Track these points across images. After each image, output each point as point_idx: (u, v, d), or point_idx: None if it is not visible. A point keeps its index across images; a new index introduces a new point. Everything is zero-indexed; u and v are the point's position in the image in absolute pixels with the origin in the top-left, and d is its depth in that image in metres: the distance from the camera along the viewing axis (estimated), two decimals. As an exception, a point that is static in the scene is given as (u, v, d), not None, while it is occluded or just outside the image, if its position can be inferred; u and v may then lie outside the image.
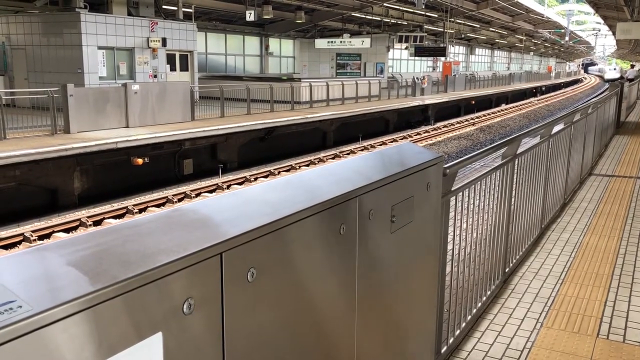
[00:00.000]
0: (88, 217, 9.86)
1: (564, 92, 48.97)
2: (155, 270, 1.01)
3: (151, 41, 18.55)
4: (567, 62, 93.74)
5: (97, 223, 9.78)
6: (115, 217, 10.12)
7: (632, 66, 69.24)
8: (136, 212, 10.36)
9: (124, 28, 17.79)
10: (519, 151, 3.88)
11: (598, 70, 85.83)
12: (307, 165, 14.82)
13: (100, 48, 17.20)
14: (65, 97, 11.98)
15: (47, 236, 9.05)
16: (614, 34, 33.31)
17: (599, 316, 3.51)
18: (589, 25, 79.86)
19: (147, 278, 0.99)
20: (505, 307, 3.64)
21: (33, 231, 9.01)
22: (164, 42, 18.89)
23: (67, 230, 9.37)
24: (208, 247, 1.12)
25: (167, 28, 19.26)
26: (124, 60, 18.21)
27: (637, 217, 5.83)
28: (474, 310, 3.36)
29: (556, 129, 5.25)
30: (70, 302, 0.87)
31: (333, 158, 15.94)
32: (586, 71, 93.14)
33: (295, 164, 14.90)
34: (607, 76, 66.70)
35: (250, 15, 22.49)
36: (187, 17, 21.57)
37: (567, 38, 57.33)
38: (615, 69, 70.04)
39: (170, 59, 19.92)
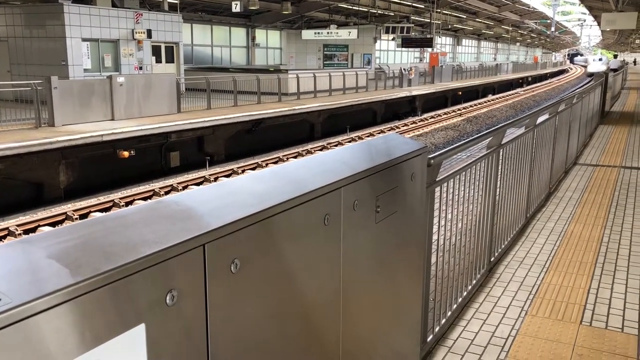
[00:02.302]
0: (74, 210, 9.79)
1: (550, 83, 49.30)
2: (138, 261, 1.01)
3: (136, 33, 18.38)
4: (553, 53, 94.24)
5: (83, 217, 9.71)
6: (101, 211, 10.06)
7: (615, 56, 69.51)
8: (123, 205, 10.30)
9: (109, 20, 17.61)
10: (504, 141, 3.90)
11: (584, 61, 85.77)
12: (295, 157, 14.81)
13: (84, 40, 17.02)
14: (49, 89, 11.84)
15: (33, 230, 8.98)
16: (599, 24, 33.52)
17: (583, 303, 3.56)
18: (574, 16, 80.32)
19: (130, 270, 0.99)
20: (490, 296, 3.67)
21: (18, 225, 8.93)
22: (149, 33, 18.72)
23: (53, 224, 9.30)
24: (191, 238, 1.12)
25: (152, 19, 19.08)
26: (109, 52, 18.03)
27: (621, 206, 5.90)
28: (460, 300, 3.40)
29: (541, 119, 5.29)
30: (51, 294, 0.86)
31: (321, 150, 15.93)
32: (572, 62, 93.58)
33: (283, 155, 14.89)
34: (591, 69, 54.11)
35: (236, 6, 22.34)
36: (173, 8, 21.38)
37: (552, 28, 57.63)
38: (601, 60, 61.10)
39: (156, 51, 19.75)
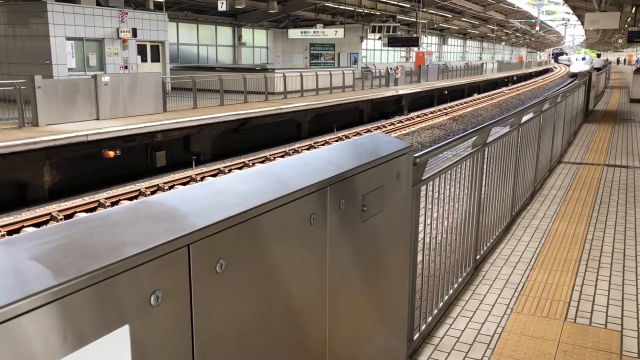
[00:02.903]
0: (59, 211, 9.70)
1: (534, 82, 49.68)
2: (122, 262, 1.00)
3: (121, 32, 18.24)
4: (538, 52, 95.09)
5: (68, 217, 9.62)
6: (87, 211, 9.97)
7: (599, 55, 70.09)
8: (108, 206, 10.22)
9: (93, 18, 17.45)
10: (489, 140, 3.93)
11: (568, 60, 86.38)
12: (282, 157, 14.79)
13: (68, 39, 16.86)
14: (33, 89, 11.71)
15: (17, 231, 8.88)
16: (582, 24, 33.86)
17: (567, 300, 3.60)
18: (558, 15, 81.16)
19: (113, 270, 0.98)
20: (476, 294, 3.70)
21: (2, 226, 8.83)
22: (134, 32, 18.59)
23: (37, 225, 9.20)
24: (175, 238, 1.12)
25: (137, 18, 18.95)
26: (94, 51, 17.88)
27: (604, 204, 5.97)
28: (446, 297, 3.42)
29: (526, 117, 5.33)
30: (33, 296, 0.86)
31: (308, 149, 15.92)
32: (556, 61, 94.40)
33: (270, 155, 14.86)
34: (574, 69, 50.94)
35: (222, 5, 22.27)
36: (158, 7, 21.26)
37: (537, 28, 58.15)
38: (584, 59, 57.87)
39: (141, 50, 19.62)
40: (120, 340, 1.00)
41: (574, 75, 38.94)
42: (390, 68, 28.65)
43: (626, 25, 30.40)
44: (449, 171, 3.18)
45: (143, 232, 1.11)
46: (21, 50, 16.79)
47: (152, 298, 1.06)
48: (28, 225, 9.12)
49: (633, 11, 23.79)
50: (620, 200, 6.14)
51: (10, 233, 8.78)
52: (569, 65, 71.12)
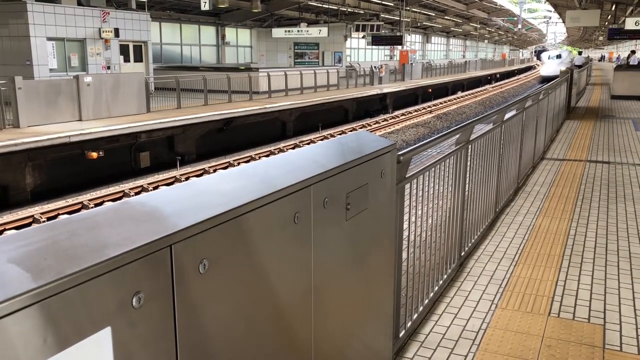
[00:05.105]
0: (42, 213, 9.59)
1: (517, 79, 50.09)
2: (102, 264, 0.99)
3: (103, 32, 18.08)
4: (520, 50, 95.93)
5: (51, 219, 9.50)
6: (70, 213, 9.87)
7: (580, 53, 70.70)
8: (92, 207, 10.13)
9: (74, 18, 17.27)
10: (472, 137, 3.95)
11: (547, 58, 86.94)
12: (267, 156, 14.75)
13: (49, 39, 16.66)
14: (14, 90, 11.56)
15: (-1, 234, 8.78)
16: (563, 21, 34.21)
17: (551, 295, 3.63)
18: (540, 13, 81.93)
19: (94, 272, 0.97)
20: (461, 290, 3.72)
21: (-17, 229, 8.71)
22: (116, 32, 18.43)
23: (19, 228, 9.09)
24: (157, 239, 1.11)
25: (119, 18, 18.79)
26: (76, 51, 17.70)
27: (587, 199, 6.04)
28: (431, 294, 3.43)
29: (508, 115, 5.36)
30: (13, 299, 0.84)
31: (293, 148, 15.90)
32: (539, 58, 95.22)
33: (255, 154, 14.82)
34: (545, 70, 41.46)
35: (205, 5, 22.11)
36: (140, 6, 21.08)
37: (519, 26, 58.62)
38: (559, 57, 45.37)
39: (124, 50, 19.46)
40: (102, 342, 0.99)
41: (546, 80, 30.22)
42: (375, 67, 28.70)
43: (606, 23, 30.76)
44: (433, 169, 3.20)
45: (124, 233, 1.10)
46: (1, 51, 16.56)
47: (134, 299, 1.05)
48: (10, 229, 9.00)
49: (613, 9, 24.10)
50: (602, 195, 6.21)
51: (-9, 236, 8.65)
52: None
